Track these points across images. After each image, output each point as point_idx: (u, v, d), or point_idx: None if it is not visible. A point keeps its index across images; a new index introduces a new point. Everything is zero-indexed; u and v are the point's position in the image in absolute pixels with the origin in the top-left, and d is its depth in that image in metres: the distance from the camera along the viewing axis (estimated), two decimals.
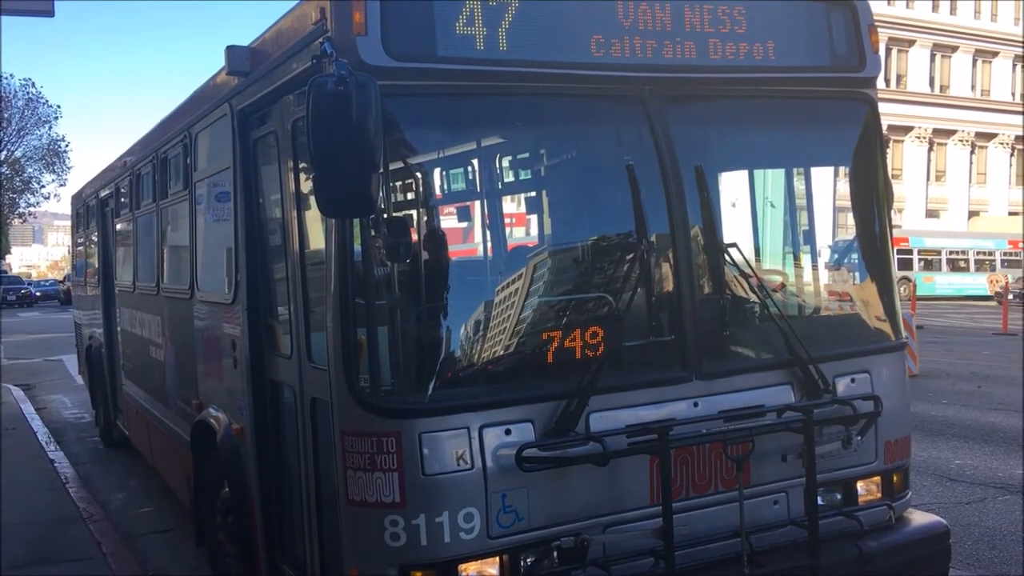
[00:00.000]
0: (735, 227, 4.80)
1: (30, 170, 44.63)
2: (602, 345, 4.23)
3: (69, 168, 46.39)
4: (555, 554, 4.16)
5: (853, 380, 4.79)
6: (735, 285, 4.58)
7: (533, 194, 4.90)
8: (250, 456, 5.39)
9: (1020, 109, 50.60)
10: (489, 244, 4.61)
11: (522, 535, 4.12)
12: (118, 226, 10.19)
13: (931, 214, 51.32)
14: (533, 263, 4.44)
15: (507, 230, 4.99)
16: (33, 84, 44.35)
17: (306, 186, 4.67)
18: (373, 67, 3.85)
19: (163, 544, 7.86)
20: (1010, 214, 51.25)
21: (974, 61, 53.49)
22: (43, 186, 46.31)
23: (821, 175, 5.37)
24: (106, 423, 11.58)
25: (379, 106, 3.59)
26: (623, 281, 4.33)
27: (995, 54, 53.78)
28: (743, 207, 5.09)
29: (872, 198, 5.15)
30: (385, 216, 3.88)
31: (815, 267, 5.26)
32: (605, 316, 4.33)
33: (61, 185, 46.60)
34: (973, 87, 53.69)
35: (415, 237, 4.02)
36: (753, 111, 4.88)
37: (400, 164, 4.11)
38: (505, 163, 4.94)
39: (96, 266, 11.72)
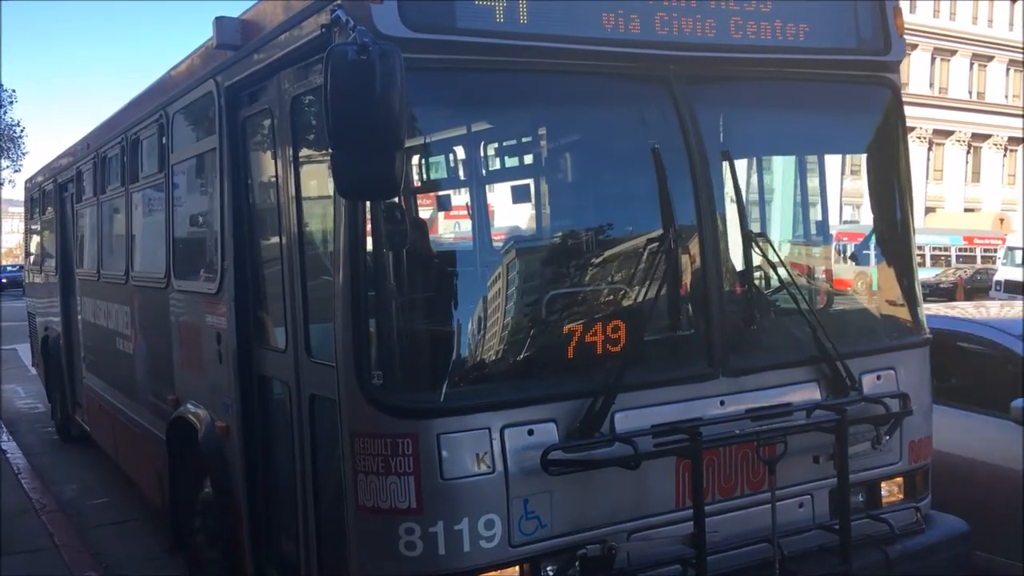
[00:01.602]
0: (759, 215, 4.57)
1: None
2: (627, 340, 3.98)
3: (24, 154, 45.10)
4: (578, 563, 3.90)
5: (879, 377, 4.59)
6: (762, 277, 4.35)
7: (552, 179, 4.63)
8: (236, 456, 5.08)
9: (1013, 112, 51.81)
10: (511, 231, 4.32)
11: (545, 543, 3.86)
12: (79, 212, 9.73)
13: (929, 211, 52.29)
14: (553, 253, 4.17)
15: (526, 218, 4.70)
16: None
17: (307, 167, 4.36)
18: (388, 38, 3.54)
19: (117, 535, 7.70)
20: (966, 211, 52.21)
21: (971, 65, 54.79)
22: None
23: (843, 163, 5.17)
24: (63, 418, 11.10)
25: (404, 77, 3.29)
26: (648, 272, 4.07)
27: (991, 58, 55.16)
28: (766, 194, 4.87)
29: (894, 187, 4.95)
30: (404, 199, 3.58)
31: (837, 258, 5.05)
32: (630, 310, 4.07)
33: (16, 171, 45.24)
34: (970, 91, 54.98)
35: (434, 223, 3.73)
36: (776, 94, 4.66)
37: (417, 144, 3.81)
38: (522, 146, 4.65)
39: (53, 253, 11.22)
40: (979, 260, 39.25)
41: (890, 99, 4.87)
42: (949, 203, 53.93)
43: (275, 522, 5.00)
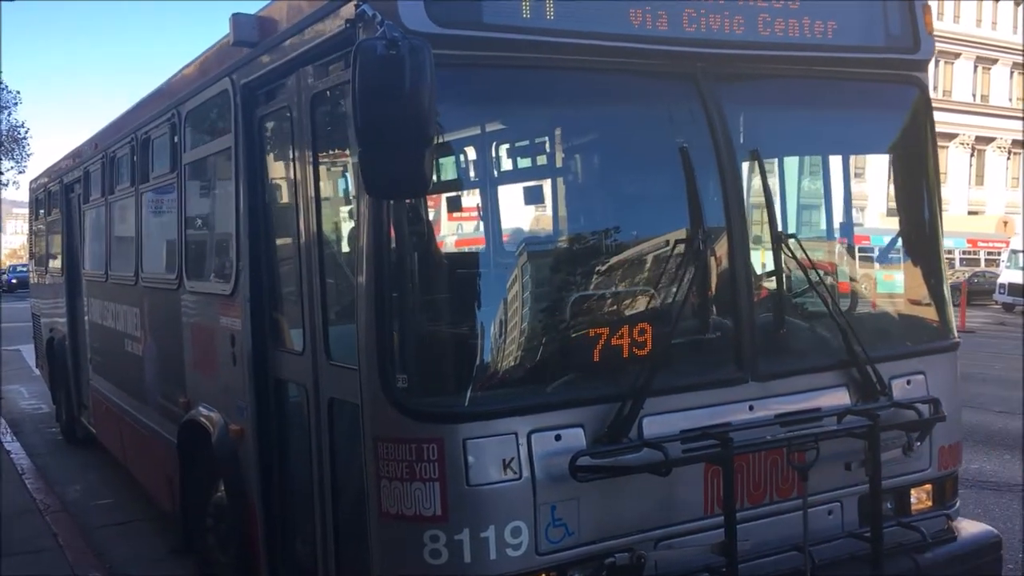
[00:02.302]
0: (787, 216, 4.49)
1: None
2: (655, 344, 3.89)
3: (28, 155, 45.07)
4: (606, 572, 3.81)
5: (909, 382, 4.50)
6: (792, 279, 4.26)
7: (577, 179, 4.54)
8: (251, 460, 4.98)
9: (1017, 115, 51.73)
10: (537, 232, 4.24)
11: (572, 551, 3.77)
12: (86, 212, 9.64)
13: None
14: (579, 254, 4.07)
15: (551, 218, 4.60)
16: None
17: (326, 166, 4.28)
18: (415, 33, 3.46)
19: (121, 536, 7.62)
20: (970, 214, 52.13)
21: (975, 67, 54.82)
22: (2, 173, 44.95)
23: (871, 163, 5.09)
24: (69, 420, 11.01)
25: (433, 73, 3.20)
26: (676, 274, 3.98)
27: (995, 61, 55.24)
28: (793, 195, 4.78)
29: (923, 188, 4.87)
30: (431, 198, 3.50)
31: (865, 259, 4.96)
32: (657, 312, 3.99)
33: (20, 172, 45.21)
34: (974, 93, 55.01)
35: (462, 222, 3.64)
36: (804, 92, 4.57)
37: (443, 141, 3.72)
38: (547, 144, 4.56)
39: (59, 254, 11.13)
40: (983, 263, 39.15)
41: (919, 98, 4.79)
42: (953, 206, 54.00)
43: (291, 527, 4.91)
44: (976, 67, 55.09)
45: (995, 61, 55.49)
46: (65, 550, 6.98)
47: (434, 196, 3.58)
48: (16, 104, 44.17)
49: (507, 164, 4.28)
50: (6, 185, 45.42)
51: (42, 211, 12.79)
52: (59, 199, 11.09)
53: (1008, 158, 57.16)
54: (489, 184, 4.56)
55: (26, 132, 44.74)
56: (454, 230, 3.67)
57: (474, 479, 3.61)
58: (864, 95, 4.72)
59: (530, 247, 4.06)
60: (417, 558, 3.65)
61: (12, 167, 44.77)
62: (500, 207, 4.39)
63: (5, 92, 43.04)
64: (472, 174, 4.25)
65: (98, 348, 9.13)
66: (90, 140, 9.52)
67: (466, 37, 3.67)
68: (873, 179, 5.02)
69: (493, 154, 4.40)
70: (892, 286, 4.88)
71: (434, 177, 3.71)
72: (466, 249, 3.74)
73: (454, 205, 3.75)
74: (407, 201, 3.57)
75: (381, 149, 3.20)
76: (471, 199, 4.15)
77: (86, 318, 9.50)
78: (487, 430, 3.63)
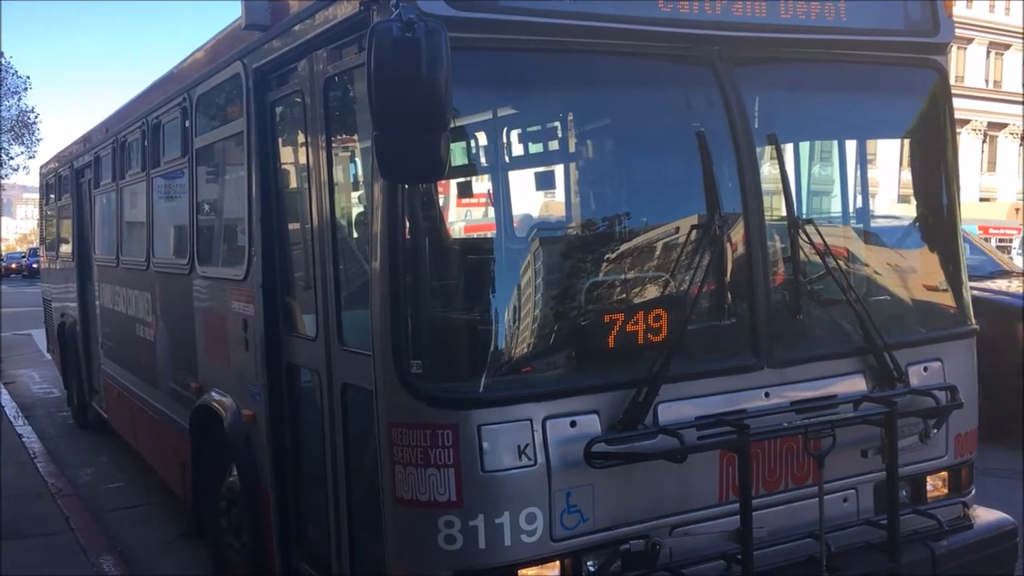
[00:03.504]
0: (804, 201, 4.45)
1: None
2: (670, 330, 3.86)
3: (38, 140, 45.11)
4: (620, 558, 3.79)
5: (926, 369, 4.46)
6: (809, 265, 4.22)
7: (593, 164, 4.50)
8: (264, 445, 4.98)
9: None
10: (552, 217, 4.20)
11: (587, 537, 3.75)
12: (97, 197, 9.63)
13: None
14: (595, 239, 4.04)
15: (569, 203, 4.57)
16: (1, 55, 42.77)
17: (339, 150, 4.25)
18: (431, 16, 3.42)
19: (132, 519, 7.69)
20: (981, 200, 51.87)
21: (988, 53, 54.50)
22: (12, 158, 45.06)
23: (889, 147, 5.03)
24: (80, 405, 11.05)
25: (449, 56, 3.17)
26: (692, 260, 3.95)
27: (1008, 46, 54.90)
28: (812, 180, 4.74)
29: (941, 172, 4.82)
30: (446, 183, 3.47)
31: (882, 245, 4.91)
32: (673, 298, 3.95)
33: (30, 157, 45.27)
34: (986, 79, 54.64)
35: (477, 207, 3.61)
36: (822, 77, 4.52)
37: (458, 125, 3.68)
38: (563, 129, 4.52)
39: (69, 239, 11.13)
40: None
41: (938, 82, 4.74)
42: (965, 192, 53.63)
43: (304, 511, 4.91)
44: (989, 52, 54.73)
45: (1008, 46, 55.12)
46: (77, 533, 7.02)
47: (451, 181, 3.54)
48: (26, 89, 44.02)
49: (521, 149, 4.24)
50: (16, 170, 45.44)
51: (52, 196, 12.78)
52: (69, 184, 11.08)
53: (1021, 144, 56.82)
54: (504, 169, 4.53)
55: (36, 117, 44.80)
56: (469, 215, 3.63)
57: (489, 465, 3.59)
58: (883, 79, 4.66)
59: (545, 232, 4.02)
60: (431, 544, 3.64)
61: (22, 152, 44.90)
62: (515, 192, 4.36)
63: (14, 77, 43.03)
64: (487, 159, 4.20)
65: (109, 333, 9.13)
66: (100, 125, 9.50)
67: (481, 20, 3.63)
68: (891, 164, 4.95)
69: (507, 139, 4.37)
70: (909, 272, 4.83)
71: (457, 162, 3.70)
72: (481, 234, 3.69)
73: (469, 190, 3.71)
74: (421, 186, 3.54)
75: (397, 133, 3.17)
76: (486, 184, 4.10)
77: (97, 303, 9.50)
78: (502, 416, 3.61)
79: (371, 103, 3.20)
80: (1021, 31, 50.67)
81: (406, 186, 3.55)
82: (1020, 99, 51.28)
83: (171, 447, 6.92)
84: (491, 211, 3.83)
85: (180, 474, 6.75)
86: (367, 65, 3.19)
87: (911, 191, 4.85)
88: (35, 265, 47.05)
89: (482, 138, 4.02)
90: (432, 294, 3.71)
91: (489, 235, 3.78)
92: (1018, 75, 55.22)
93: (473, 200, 3.72)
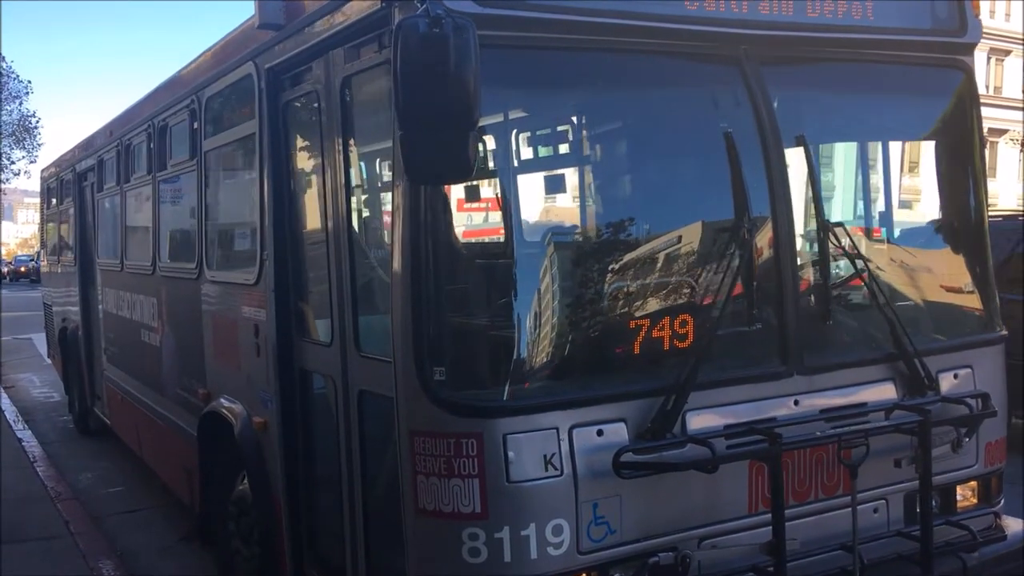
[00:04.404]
0: (833, 204, 4.35)
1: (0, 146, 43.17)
2: (698, 336, 3.76)
3: (40, 144, 44.93)
4: (648, 572, 3.69)
5: (956, 376, 4.36)
6: (839, 269, 4.12)
7: (618, 165, 4.39)
8: (276, 452, 4.86)
9: None
10: (577, 221, 4.10)
11: (614, 549, 3.63)
12: (100, 201, 9.52)
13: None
14: (620, 243, 3.93)
15: (594, 205, 4.46)
16: (3, 59, 42.61)
17: (356, 151, 4.15)
18: (458, 13, 3.31)
19: (132, 523, 7.64)
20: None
21: (988, 59, 54.49)
22: (13, 162, 44.92)
23: (915, 149, 4.94)
24: (82, 410, 10.92)
25: (478, 53, 3.07)
26: (719, 264, 3.85)
27: (1008, 52, 54.92)
28: (839, 181, 4.64)
29: (968, 175, 4.73)
30: (470, 184, 3.37)
31: (909, 248, 4.81)
32: (701, 304, 3.85)
33: (31, 162, 45.09)
34: (987, 85, 54.68)
35: (502, 208, 3.51)
36: (848, 76, 4.43)
37: (484, 124, 3.58)
38: (587, 129, 4.42)
39: (71, 243, 11.02)
40: None
41: (964, 82, 4.65)
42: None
43: (317, 520, 4.80)
44: (990, 58, 54.71)
45: (1008, 52, 55.15)
46: (76, 537, 6.98)
47: (476, 182, 3.44)
48: (27, 93, 43.86)
49: (546, 150, 4.14)
50: (17, 174, 45.30)
51: (54, 200, 12.68)
52: (72, 188, 10.97)
53: (1021, 151, 56.84)
54: (527, 171, 4.43)
55: (37, 122, 44.59)
56: (492, 218, 3.53)
57: (515, 475, 3.48)
58: (909, 79, 4.58)
59: (569, 236, 3.93)
60: (455, 556, 3.53)
61: (24, 156, 44.71)
62: (538, 195, 4.26)
63: (16, 81, 42.88)
64: (511, 160, 4.11)
65: (113, 338, 9.02)
66: (104, 128, 9.39)
67: (507, 17, 3.53)
68: (917, 167, 4.85)
69: (533, 140, 4.27)
70: (937, 276, 4.73)
71: (482, 162, 3.60)
72: (505, 237, 3.59)
73: (493, 192, 3.61)
74: (445, 187, 3.44)
75: (423, 132, 3.07)
76: (510, 186, 4.00)
77: (100, 308, 9.39)
78: (528, 425, 3.50)
79: (397, 101, 3.10)
80: (1022, 37, 50.78)
81: (428, 187, 3.44)
82: (1020, 105, 51.36)
83: (177, 454, 6.81)
84: (515, 214, 3.72)
85: (186, 480, 6.65)
86: (393, 62, 3.09)
87: (937, 194, 4.75)
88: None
89: (507, 138, 3.93)
90: (455, 299, 3.61)
91: (513, 238, 3.67)
92: (1018, 81, 55.31)
93: (497, 202, 3.61)
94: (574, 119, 4.27)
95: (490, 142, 3.80)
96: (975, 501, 4.56)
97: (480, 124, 3.29)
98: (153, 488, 8.16)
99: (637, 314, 3.80)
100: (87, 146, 10.20)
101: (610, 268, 3.83)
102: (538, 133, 4.19)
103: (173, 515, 7.53)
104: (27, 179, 47.27)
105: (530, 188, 4.10)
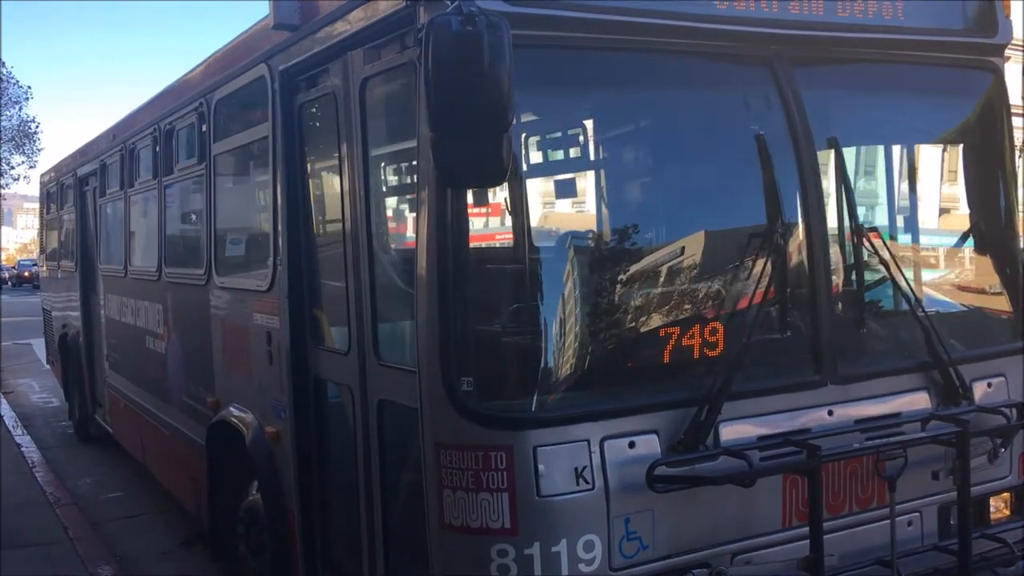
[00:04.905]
0: (865, 208, 4.25)
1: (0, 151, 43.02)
2: (731, 345, 3.65)
3: (39, 150, 44.78)
4: None
5: (989, 385, 4.26)
6: (873, 276, 4.01)
7: (648, 168, 4.29)
8: (289, 463, 4.75)
9: None
10: (606, 226, 3.98)
11: (647, 566, 3.52)
12: (103, 206, 9.40)
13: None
14: (651, 249, 3.82)
15: (621, 210, 4.34)
16: (3, 64, 42.43)
17: (377, 154, 4.04)
18: (490, 12, 3.20)
19: (131, 529, 7.61)
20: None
21: None
22: (13, 167, 44.77)
23: (945, 152, 4.84)
24: (83, 417, 10.79)
25: (512, 52, 2.96)
26: (751, 270, 3.74)
27: (1007, 59, 54.98)
28: (867, 185, 4.54)
29: (998, 178, 4.63)
30: (499, 188, 3.26)
31: (941, 254, 4.71)
32: (733, 311, 3.74)
33: (31, 167, 44.94)
34: None
35: (531, 214, 3.39)
36: (879, 77, 4.33)
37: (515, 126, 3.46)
38: (617, 132, 4.31)
39: (72, 249, 10.89)
40: None
41: (994, 84, 4.57)
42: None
43: (331, 534, 4.68)
44: None
45: (1007, 59, 55.34)
46: (76, 543, 6.95)
47: (504, 186, 3.32)
48: (27, 99, 43.71)
49: (575, 152, 4.03)
50: (17, 180, 45.16)
51: (53, 205, 12.55)
52: (73, 192, 10.84)
53: (1020, 157, 56.94)
54: (557, 174, 4.32)
55: (37, 127, 44.46)
56: (521, 223, 3.41)
57: (545, 489, 3.36)
58: (938, 81, 4.49)
59: (599, 242, 3.81)
60: (483, 573, 3.41)
61: (23, 162, 44.57)
62: (567, 199, 4.15)
63: (16, 87, 42.72)
64: (543, 163, 4.00)
65: (116, 345, 8.90)
66: (107, 132, 9.27)
67: (537, 16, 3.43)
68: (947, 170, 4.76)
69: (562, 141, 4.16)
70: (968, 282, 4.63)
71: (512, 166, 3.47)
72: (534, 244, 3.48)
73: (522, 196, 3.49)
74: (474, 191, 3.33)
75: (455, 134, 2.96)
76: (539, 190, 3.89)
77: (102, 313, 9.27)
78: (559, 437, 3.39)
79: (428, 102, 2.99)
80: (1021, 43, 50.72)
81: (453, 191, 3.33)
82: (1020, 112, 51.25)
83: (183, 462, 6.69)
84: (544, 219, 3.62)
85: (191, 489, 6.54)
86: (423, 62, 2.98)
87: (967, 198, 4.66)
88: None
89: (537, 141, 3.82)
90: (482, 306, 3.50)
91: (544, 244, 3.56)
92: (1018, 87, 55.37)
93: (525, 207, 3.49)
94: (603, 121, 4.16)
95: (521, 144, 3.69)
96: (1007, 513, 4.45)
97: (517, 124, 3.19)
98: (152, 493, 8.12)
99: (668, 322, 3.69)
100: (89, 150, 10.08)
101: (640, 274, 3.72)
102: (569, 134, 4.08)
103: (173, 520, 7.49)
104: (27, 184, 46.98)
105: (558, 192, 3.99)
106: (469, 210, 3.42)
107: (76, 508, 7.97)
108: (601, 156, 4.18)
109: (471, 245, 3.44)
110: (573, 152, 4.05)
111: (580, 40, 3.57)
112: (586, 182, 4.25)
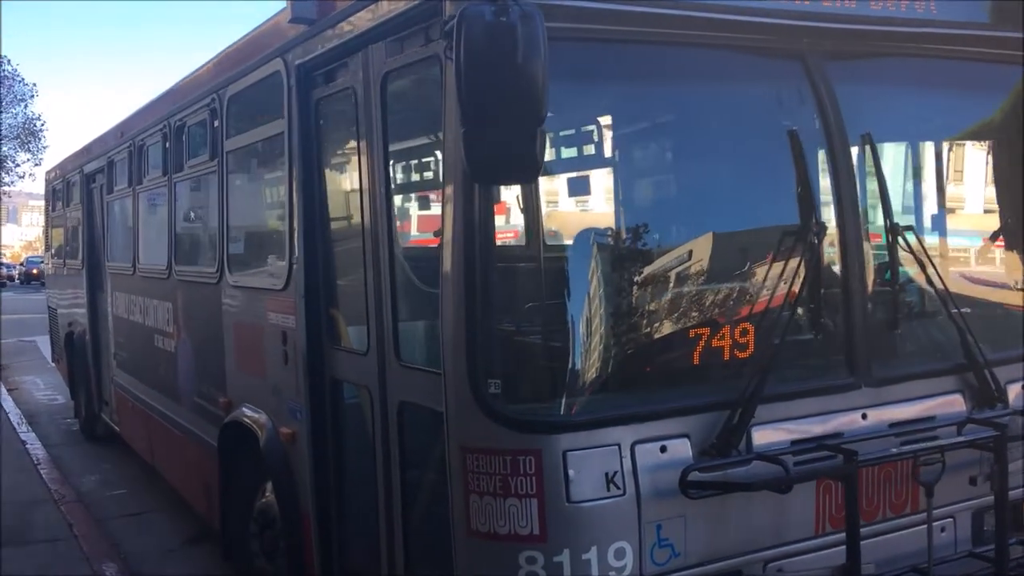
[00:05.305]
0: (899, 206, 4.15)
1: (5, 149, 42.89)
2: (762, 346, 3.55)
3: (44, 147, 44.79)
4: None
5: None
6: (908, 276, 3.92)
7: (679, 165, 4.19)
8: (305, 465, 4.66)
9: None
10: (637, 224, 3.89)
11: (679, 573, 3.42)
12: (110, 203, 9.30)
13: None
14: (685, 248, 3.73)
15: (652, 209, 4.24)
16: (9, 62, 42.43)
17: (398, 150, 3.94)
18: (522, 3, 3.09)
19: (135, 526, 7.58)
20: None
21: None
22: (18, 165, 44.78)
23: (978, 149, 4.74)
24: (89, 416, 10.69)
25: (546, 44, 2.86)
26: (784, 270, 3.64)
27: None
28: (901, 183, 4.44)
29: None
30: (529, 184, 3.16)
31: (974, 254, 4.62)
32: (765, 311, 3.64)
33: (36, 164, 44.91)
34: None
35: (557, 211, 3.30)
36: (912, 72, 4.23)
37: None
38: (648, 128, 4.20)
39: (79, 246, 10.80)
40: None
41: None
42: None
43: (348, 537, 4.59)
44: None
45: None
46: (80, 540, 6.93)
47: (535, 182, 3.23)
48: (32, 96, 43.74)
49: (606, 148, 3.93)
50: (22, 177, 45.14)
51: (59, 202, 12.45)
52: (80, 189, 10.74)
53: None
54: (587, 170, 4.22)
55: (42, 124, 44.45)
56: (550, 219, 3.32)
57: (575, 495, 3.27)
58: (970, 76, 4.38)
59: (630, 241, 3.71)
60: None
61: (28, 159, 44.57)
62: (598, 196, 4.06)
63: (21, 84, 42.68)
64: (575, 158, 3.91)
65: (123, 343, 8.81)
66: (114, 129, 9.17)
67: (568, 7, 3.33)
68: (981, 167, 4.66)
69: (593, 137, 4.07)
70: (1001, 283, 4.53)
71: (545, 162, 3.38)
72: (567, 240, 3.38)
73: (554, 193, 3.40)
74: (504, 187, 3.24)
75: (487, 128, 2.86)
76: (574, 186, 3.80)
77: (109, 312, 9.18)
78: (589, 441, 3.29)
79: (459, 96, 2.89)
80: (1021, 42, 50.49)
81: (485, 187, 3.23)
82: None
83: (193, 463, 6.61)
84: (575, 216, 3.52)
85: (201, 490, 6.45)
86: (455, 54, 2.88)
87: (1001, 196, 4.56)
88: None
89: (568, 135, 3.72)
90: (511, 307, 3.40)
91: (573, 243, 3.46)
92: None
93: (557, 203, 3.40)
94: (634, 115, 4.06)
95: (554, 140, 3.60)
96: None
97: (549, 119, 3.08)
98: (157, 491, 8.08)
99: (699, 322, 3.60)
100: (95, 147, 9.98)
101: (673, 274, 3.62)
102: (600, 129, 3.98)
103: (177, 518, 7.45)
104: (32, 182, 46.96)
105: (589, 190, 3.89)
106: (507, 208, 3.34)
107: (80, 505, 7.93)
108: (631, 152, 4.08)
109: (499, 243, 3.35)
110: (605, 148, 3.95)
111: (610, 33, 3.47)
112: (617, 178, 4.15)
